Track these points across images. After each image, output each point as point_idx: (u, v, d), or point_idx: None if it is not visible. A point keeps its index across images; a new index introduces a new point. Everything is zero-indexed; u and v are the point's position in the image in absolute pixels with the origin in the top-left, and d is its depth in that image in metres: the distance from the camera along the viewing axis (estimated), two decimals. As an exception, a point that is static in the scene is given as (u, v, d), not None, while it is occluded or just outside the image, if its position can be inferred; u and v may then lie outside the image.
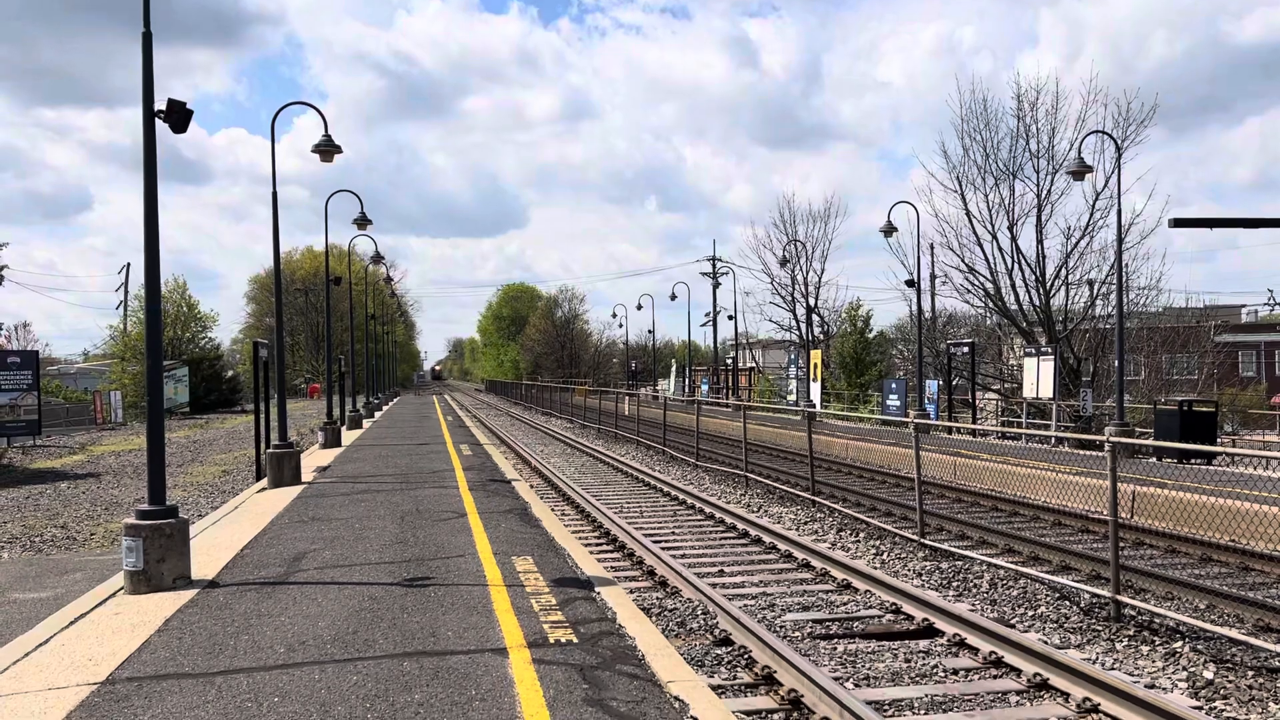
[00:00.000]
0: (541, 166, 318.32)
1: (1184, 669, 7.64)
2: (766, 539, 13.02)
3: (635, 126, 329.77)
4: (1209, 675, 7.44)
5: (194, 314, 70.60)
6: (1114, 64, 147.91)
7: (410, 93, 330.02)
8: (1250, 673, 7.51)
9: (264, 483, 17.24)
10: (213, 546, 10.83)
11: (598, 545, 13.08)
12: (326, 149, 18.03)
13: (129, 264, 76.69)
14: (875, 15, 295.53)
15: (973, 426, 27.97)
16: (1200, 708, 6.70)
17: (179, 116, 8.79)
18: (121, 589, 8.66)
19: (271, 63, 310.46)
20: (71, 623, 7.70)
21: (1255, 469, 17.54)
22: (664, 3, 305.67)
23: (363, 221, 27.58)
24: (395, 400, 73.41)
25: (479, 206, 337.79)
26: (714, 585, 10.31)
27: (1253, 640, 7.91)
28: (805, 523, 14.90)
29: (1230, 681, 7.32)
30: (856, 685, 7.22)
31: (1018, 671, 7.41)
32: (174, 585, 8.63)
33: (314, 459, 21.82)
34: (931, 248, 40.50)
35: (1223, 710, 6.77)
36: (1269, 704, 6.87)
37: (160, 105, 8.78)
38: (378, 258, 39.74)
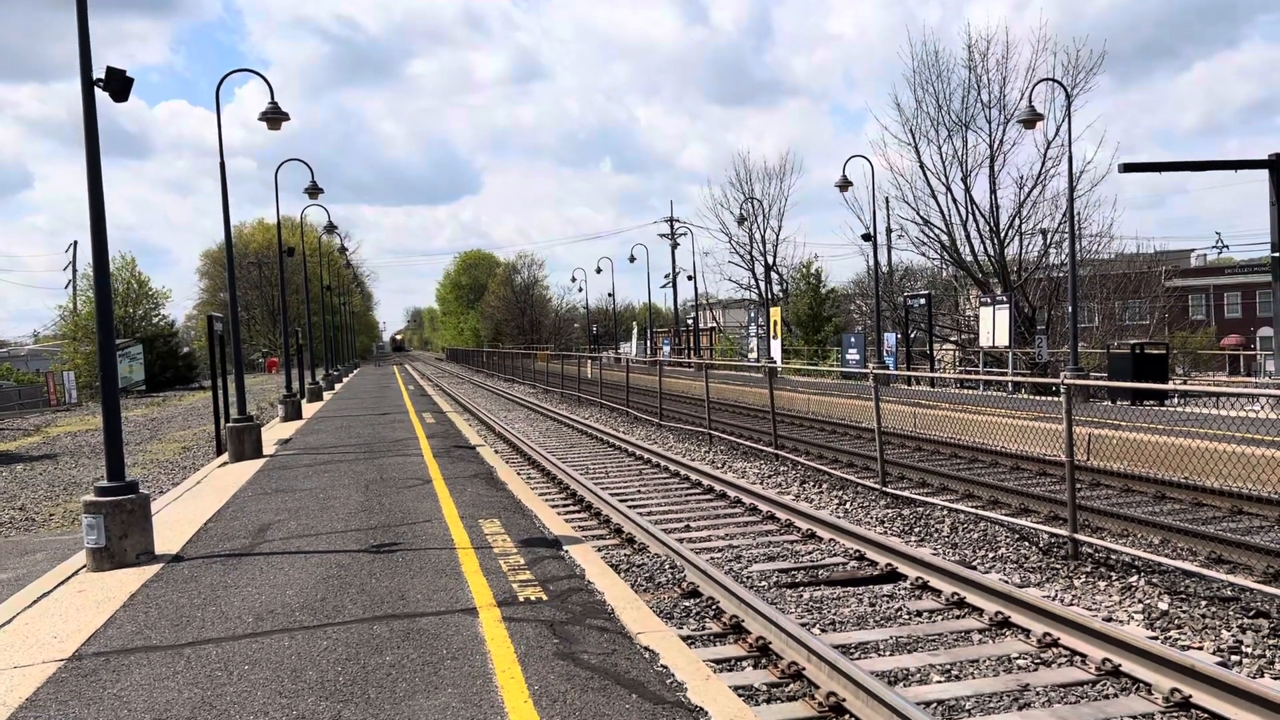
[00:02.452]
0: (493, 130, 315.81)
1: (1140, 602, 7.84)
2: (731, 494, 13.13)
3: (587, 87, 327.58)
4: (1164, 606, 7.64)
5: (145, 291, 69.29)
6: (1062, 10, 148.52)
7: (355, 58, 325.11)
8: (1204, 603, 7.72)
9: (225, 457, 17.08)
10: (176, 521, 10.74)
11: (565, 506, 13.12)
12: (273, 116, 17.71)
13: (75, 242, 75.31)
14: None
15: (932, 375, 28.31)
16: (1156, 637, 6.88)
17: (119, 84, 8.59)
18: (84, 567, 8.57)
19: (210, 30, 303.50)
20: (34, 602, 7.62)
21: (1205, 408, 17.93)
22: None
23: (314, 190, 27.19)
24: (355, 372, 72.82)
25: (431, 173, 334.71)
26: (681, 540, 10.40)
27: (1206, 571, 8.13)
28: (769, 476, 15.03)
29: (1184, 612, 7.53)
30: (823, 630, 7.34)
31: (980, 611, 7.57)
32: (137, 561, 8.56)
33: (275, 432, 21.63)
34: (887, 201, 40.77)
35: (1177, 639, 6.96)
36: (1221, 631, 7.07)
37: (99, 73, 8.57)
38: (331, 228, 39.20)
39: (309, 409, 29.35)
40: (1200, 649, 6.73)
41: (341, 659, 5.76)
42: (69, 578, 8.34)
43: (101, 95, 8.66)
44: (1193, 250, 69.38)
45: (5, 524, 15.07)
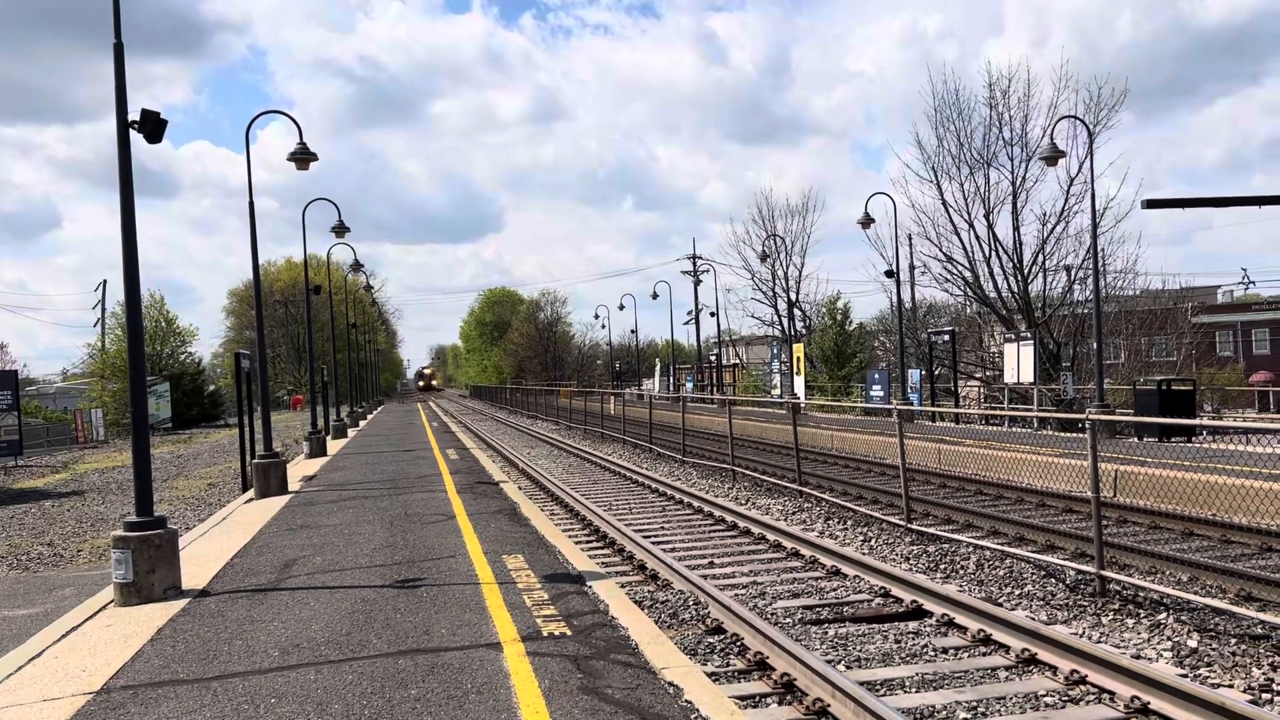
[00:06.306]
0: (515, 169, 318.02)
1: (1169, 639, 7.76)
2: (755, 530, 13.09)
3: (607, 126, 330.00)
4: (1193, 644, 7.56)
5: (172, 329, 69.96)
6: (1081, 47, 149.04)
7: (377, 97, 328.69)
8: (1233, 640, 7.63)
9: (251, 494, 17.20)
10: (202, 557, 10.82)
11: (588, 542, 13.12)
12: (302, 157, 17.99)
13: (105, 281, 76.31)
14: (841, 6, 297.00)
15: (956, 411, 28.17)
16: (1185, 675, 6.80)
17: (154, 126, 8.79)
18: (112, 602, 8.65)
19: (234, 71, 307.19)
20: (63, 636, 7.69)
21: (1234, 444, 17.74)
22: (631, 1, 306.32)
23: (340, 229, 27.51)
24: (380, 409, 73.18)
25: (454, 211, 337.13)
26: (705, 576, 10.37)
27: (1235, 609, 8.03)
28: (793, 513, 14.98)
29: (1214, 649, 7.44)
30: (848, 667, 7.30)
31: (1006, 648, 7.50)
32: (165, 596, 8.63)
33: (300, 469, 21.76)
34: (909, 238, 40.75)
35: (1207, 676, 6.88)
36: (1251, 669, 6.98)
37: (134, 115, 8.77)
38: (356, 266, 39.59)
39: (334, 445, 29.51)
40: (1231, 687, 6.65)
41: (366, 693, 5.78)
42: (97, 612, 8.42)
43: (134, 137, 8.86)
44: (1219, 286, 68.90)
45: (34, 560, 15.21)
